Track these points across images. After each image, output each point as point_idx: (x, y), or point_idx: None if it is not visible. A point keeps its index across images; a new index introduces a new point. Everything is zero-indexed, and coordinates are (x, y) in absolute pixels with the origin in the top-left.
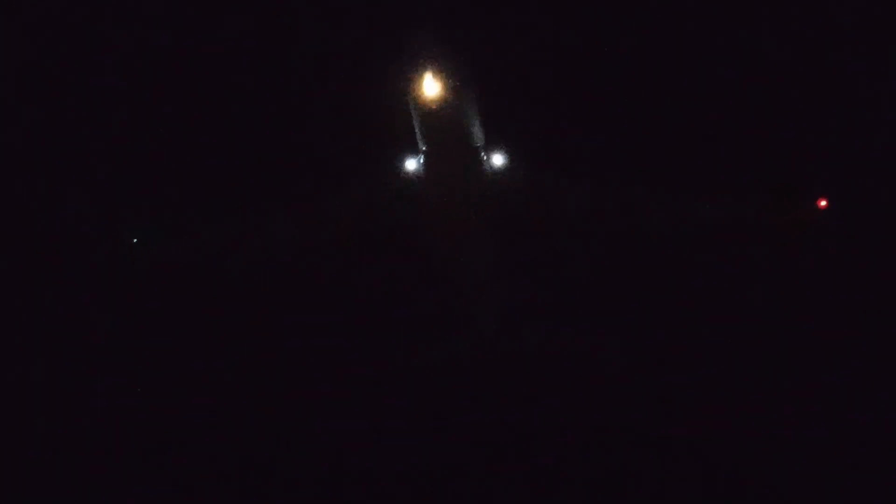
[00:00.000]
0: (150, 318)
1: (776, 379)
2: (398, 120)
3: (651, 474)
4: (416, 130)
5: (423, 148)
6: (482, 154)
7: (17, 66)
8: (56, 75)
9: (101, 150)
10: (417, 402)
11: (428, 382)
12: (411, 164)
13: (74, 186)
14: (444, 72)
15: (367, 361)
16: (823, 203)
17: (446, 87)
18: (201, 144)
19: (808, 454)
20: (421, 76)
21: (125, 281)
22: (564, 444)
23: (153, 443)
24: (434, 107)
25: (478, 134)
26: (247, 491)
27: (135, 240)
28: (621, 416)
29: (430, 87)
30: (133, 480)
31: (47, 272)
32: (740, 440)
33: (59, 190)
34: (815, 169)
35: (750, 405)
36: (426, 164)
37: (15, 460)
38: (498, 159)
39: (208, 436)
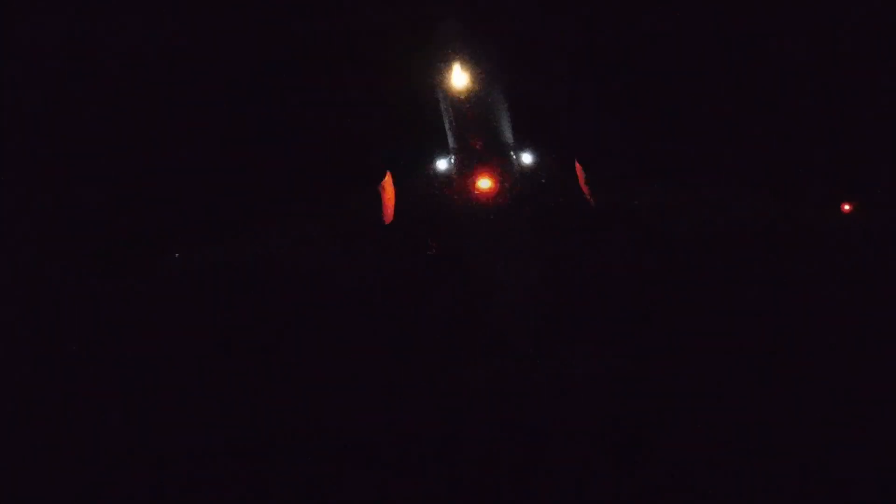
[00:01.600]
0: (159, 326)
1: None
2: (428, 118)
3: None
4: (447, 129)
5: (453, 146)
6: (512, 153)
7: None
8: (52, 77)
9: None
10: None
11: (456, 397)
12: (441, 164)
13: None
14: (474, 68)
15: (392, 374)
16: (847, 207)
17: (476, 83)
18: (219, 143)
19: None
20: (451, 73)
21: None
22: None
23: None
24: (464, 104)
25: (509, 132)
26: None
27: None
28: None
29: (460, 84)
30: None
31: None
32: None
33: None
34: (838, 172)
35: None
36: (456, 164)
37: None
38: (529, 158)
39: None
